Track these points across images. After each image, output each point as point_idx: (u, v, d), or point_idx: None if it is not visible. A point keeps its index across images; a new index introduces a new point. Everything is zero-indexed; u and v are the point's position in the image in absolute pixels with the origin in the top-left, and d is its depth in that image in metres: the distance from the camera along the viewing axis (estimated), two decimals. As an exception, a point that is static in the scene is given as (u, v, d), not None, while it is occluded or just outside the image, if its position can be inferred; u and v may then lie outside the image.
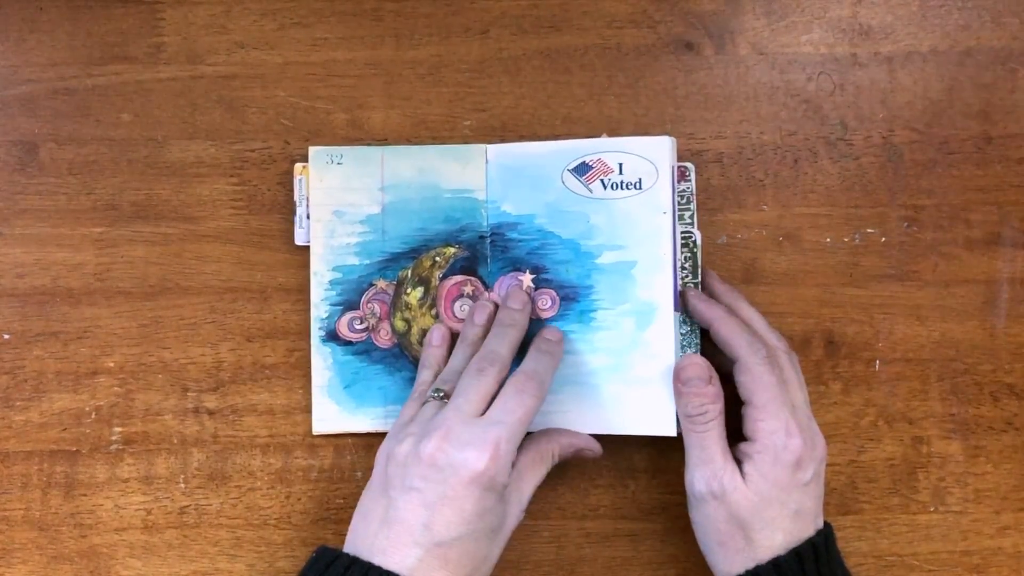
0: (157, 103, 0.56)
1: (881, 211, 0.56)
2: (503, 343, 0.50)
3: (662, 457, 0.55)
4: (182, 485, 0.55)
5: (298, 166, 0.55)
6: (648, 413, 0.52)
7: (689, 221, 0.55)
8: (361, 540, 0.46)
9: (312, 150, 0.54)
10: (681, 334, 0.52)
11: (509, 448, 0.46)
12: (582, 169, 0.53)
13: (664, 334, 0.52)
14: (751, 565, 0.47)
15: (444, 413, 0.47)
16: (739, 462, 0.48)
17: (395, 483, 0.46)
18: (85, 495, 0.55)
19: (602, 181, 0.52)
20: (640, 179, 0.52)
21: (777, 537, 0.47)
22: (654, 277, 0.52)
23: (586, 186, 0.53)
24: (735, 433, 0.49)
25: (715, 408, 0.49)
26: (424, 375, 0.52)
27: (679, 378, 0.50)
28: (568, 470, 0.55)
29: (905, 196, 0.56)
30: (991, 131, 0.56)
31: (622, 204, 0.52)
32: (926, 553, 0.55)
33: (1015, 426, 0.56)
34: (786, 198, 0.56)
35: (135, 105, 0.56)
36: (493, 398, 0.47)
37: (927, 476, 0.55)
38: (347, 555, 0.45)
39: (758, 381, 0.48)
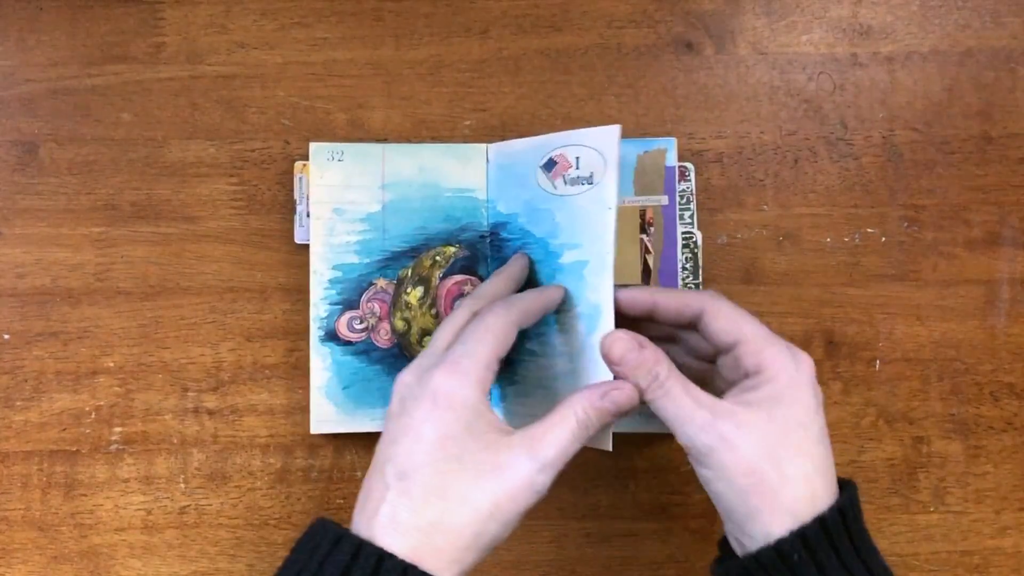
0: (157, 103, 0.56)
1: (881, 211, 0.56)
2: (486, 286, 0.48)
3: (662, 457, 0.55)
4: (182, 485, 0.55)
5: (298, 164, 0.55)
6: None
7: (689, 221, 0.55)
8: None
9: (313, 146, 0.54)
10: None
11: (471, 365, 0.42)
12: (549, 165, 0.50)
13: None
14: (791, 507, 0.41)
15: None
16: (744, 396, 0.43)
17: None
18: (85, 495, 0.55)
19: (563, 177, 0.49)
20: (592, 173, 0.48)
21: (808, 466, 0.42)
22: (599, 278, 0.47)
23: (552, 183, 0.50)
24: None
25: (664, 366, 0.44)
26: None
27: (609, 359, 0.44)
28: (568, 470, 0.55)
29: (905, 196, 0.56)
30: (991, 131, 0.56)
31: (578, 200, 0.49)
32: (926, 553, 0.55)
33: (1015, 426, 0.56)
34: (786, 198, 0.56)
35: (135, 105, 0.56)
36: None
37: (927, 476, 0.55)
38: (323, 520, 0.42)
39: (737, 317, 0.45)
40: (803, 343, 0.55)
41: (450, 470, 0.41)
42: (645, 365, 0.44)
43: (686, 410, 0.43)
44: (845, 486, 0.43)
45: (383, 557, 0.39)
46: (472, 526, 0.40)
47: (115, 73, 0.56)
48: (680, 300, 0.46)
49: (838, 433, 0.55)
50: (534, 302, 0.46)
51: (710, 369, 0.48)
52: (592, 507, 0.55)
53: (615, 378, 0.45)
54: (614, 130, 0.47)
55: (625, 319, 0.47)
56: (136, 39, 0.56)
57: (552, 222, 0.50)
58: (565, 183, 0.49)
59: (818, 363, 0.55)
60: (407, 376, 0.44)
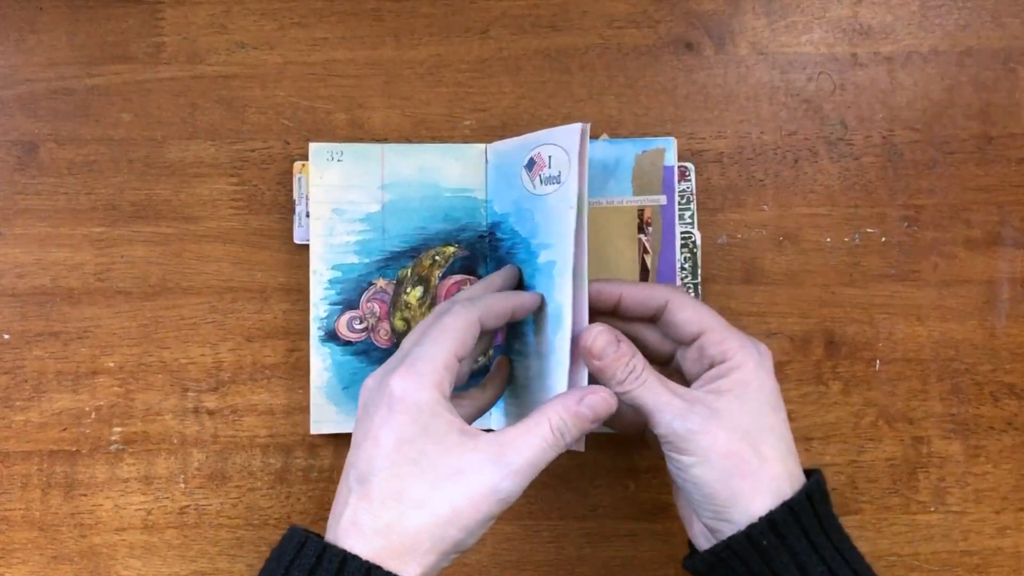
0: (157, 103, 0.56)
1: (881, 211, 0.56)
2: (463, 292, 0.48)
3: (662, 457, 0.55)
4: (182, 485, 0.55)
5: (298, 164, 0.55)
6: None
7: (689, 221, 0.55)
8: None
9: (312, 146, 0.54)
10: None
11: (426, 366, 0.42)
12: (529, 165, 0.50)
13: (565, 342, 0.46)
14: (772, 488, 0.42)
15: None
16: (714, 385, 0.44)
17: None
18: (85, 495, 0.55)
19: (540, 176, 0.49)
20: (560, 172, 0.48)
21: (782, 447, 0.43)
22: (563, 278, 0.46)
23: (531, 182, 0.50)
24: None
25: (639, 360, 0.44)
26: None
27: (591, 354, 0.44)
28: (568, 470, 0.55)
29: (905, 196, 0.56)
30: (991, 131, 0.56)
31: (549, 200, 0.48)
32: (926, 553, 0.55)
33: (1015, 426, 0.56)
34: (786, 198, 0.56)
35: (135, 105, 0.56)
36: None
37: (927, 476, 0.55)
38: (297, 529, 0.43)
39: (700, 310, 0.46)
40: (803, 343, 0.55)
41: (408, 474, 0.40)
42: (623, 359, 0.44)
43: (664, 399, 0.43)
44: (811, 473, 0.44)
45: (347, 559, 0.39)
46: (431, 530, 0.40)
47: (115, 73, 0.56)
48: (645, 292, 0.47)
49: (838, 433, 0.55)
50: (498, 303, 0.46)
51: (664, 369, 0.48)
52: (592, 507, 0.55)
53: (589, 376, 0.45)
54: (577, 128, 0.47)
55: (592, 314, 0.47)
56: (136, 39, 0.56)
57: (532, 222, 0.50)
58: (541, 182, 0.49)
59: (818, 363, 0.55)
60: (370, 380, 0.44)
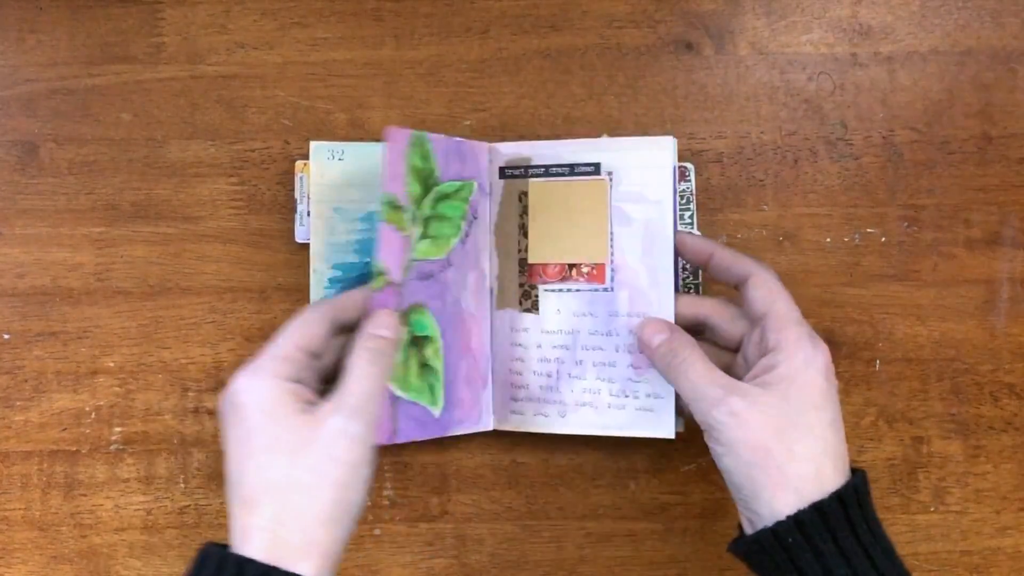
0: (157, 103, 0.56)
1: (881, 211, 0.56)
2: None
3: (662, 457, 0.55)
4: (182, 485, 0.55)
5: (299, 163, 0.55)
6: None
7: (689, 221, 0.55)
8: None
9: (313, 144, 0.54)
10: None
11: (264, 360, 0.43)
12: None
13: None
14: (796, 484, 0.42)
15: None
16: (762, 376, 0.45)
17: None
18: (85, 495, 0.55)
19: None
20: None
21: (816, 447, 0.43)
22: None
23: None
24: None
25: (681, 340, 0.47)
26: None
27: (643, 344, 0.49)
28: (568, 470, 0.55)
29: (905, 196, 0.56)
30: (991, 131, 0.56)
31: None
32: (926, 553, 0.55)
33: (1015, 426, 0.56)
34: (786, 198, 0.56)
35: (135, 105, 0.56)
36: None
37: (927, 476, 0.55)
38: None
39: (776, 292, 0.46)
40: (803, 343, 0.55)
41: (268, 463, 0.41)
42: (668, 344, 0.48)
43: (701, 387, 0.45)
44: (855, 473, 0.44)
45: (243, 564, 0.40)
46: (308, 503, 0.41)
47: (115, 73, 0.56)
48: (734, 259, 0.48)
49: (838, 433, 0.55)
50: (350, 296, 0.47)
51: (735, 357, 0.49)
52: (592, 507, 0.55)
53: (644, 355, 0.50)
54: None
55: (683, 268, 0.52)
56: (136, 39, 0.56)
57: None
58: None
59: (818, 363, 0.55)
60: (223, 391, 0.44)
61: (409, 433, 0.50)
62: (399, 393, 0.50)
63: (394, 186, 0.48)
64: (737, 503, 0.45)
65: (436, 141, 0.51)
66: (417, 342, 0.50)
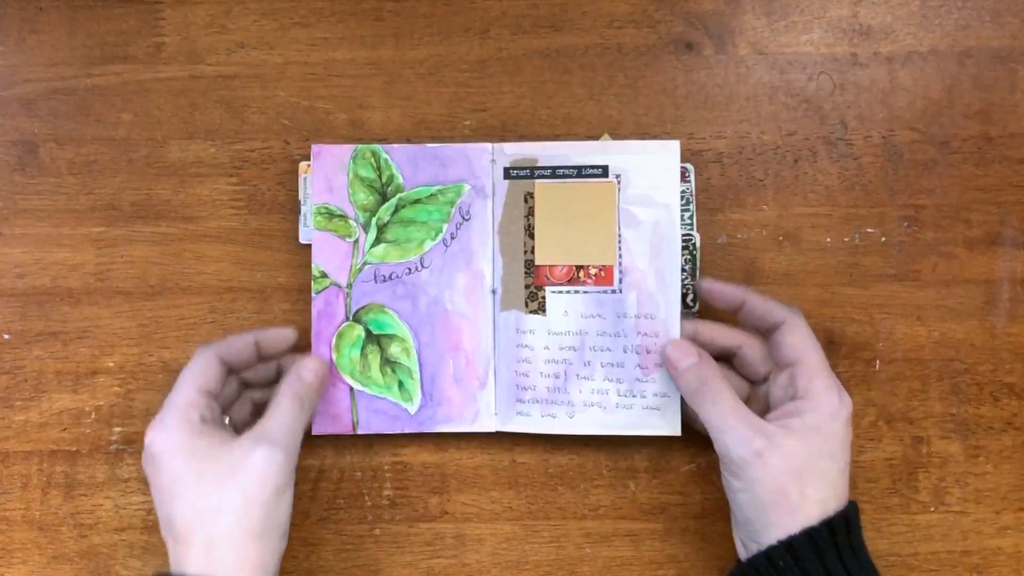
0: (157, 103, 0.56)
1: (881, 211, 0.56)
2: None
3: (662, 457, 0.55)
4: (182, 485, 0.55)
5: (303, 164, 0.55)
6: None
7: (689, 222, 0.55)
8: None
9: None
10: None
11: (168, 412, 0.47)
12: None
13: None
14: (803, 524, 0.45)
15: None
16: (786, 420, 0.47)
17: None
18: (85, 495, 0.55)
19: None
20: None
21: (828, 491, 0.46)
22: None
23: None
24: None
25: (710, 369, 0.49)
26: None
27: (669, 361, 0.51)
28: (568, 470, 0.55)
29: (905, 196, 0.56)
30: (991, 131, 0.56)
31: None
32: (926, 553, 0.55)
33: (1015, 426, 0.56)
34: (786, 198, 0.56)
35: (135, 105, 0.56)
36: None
37: (927, 476, 0.55)
38: None
39: (807, 340, 0.49)
40: (803, 343, 0.55)
41: (196, 495, 0.45)
42: (696, 370, 0.49)
43: (730, 421, 0.47)
44: (849, 504, 0.47)
45: None
46: (238, 523, 0.44)
47: (115, 73, 0.56)
48: (766, 306, 0.50)
49: (838, 433, 0.55)
50: (237, 338, 0.51)
51: (756, 390, 0.52)
52: (592, 507, 0.55)
53: (673, 380, 0.51)
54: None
55: (711, 313, 0.53)
56: (136, 39, 0.56)
57: None
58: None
59: (818, 363, 0.55)
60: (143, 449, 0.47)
61: (375, 426, 0.53)
62: (358, 387, 0.53)
63: (326, 197, 0.53)
64: (737, 530, 0.48)
65: (396, 151, 0.53)
66: (378, 340, 0.53)
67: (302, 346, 0.55)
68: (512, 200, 0.54)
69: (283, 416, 0.48)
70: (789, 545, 0.45)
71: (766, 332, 0.51)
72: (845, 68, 0.56)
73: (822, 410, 0.47)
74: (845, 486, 0.47)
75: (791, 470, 0.46)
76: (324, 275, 0.53)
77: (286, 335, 0.52)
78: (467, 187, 0.53)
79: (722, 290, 0.51)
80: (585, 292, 0.53)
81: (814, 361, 0.48)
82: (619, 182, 0.53)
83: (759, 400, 0.51)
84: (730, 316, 0.52)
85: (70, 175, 0.56)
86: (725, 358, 0.52)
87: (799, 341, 0.49)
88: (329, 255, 0.53)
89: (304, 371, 0.50)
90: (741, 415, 0.47)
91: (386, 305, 0.53)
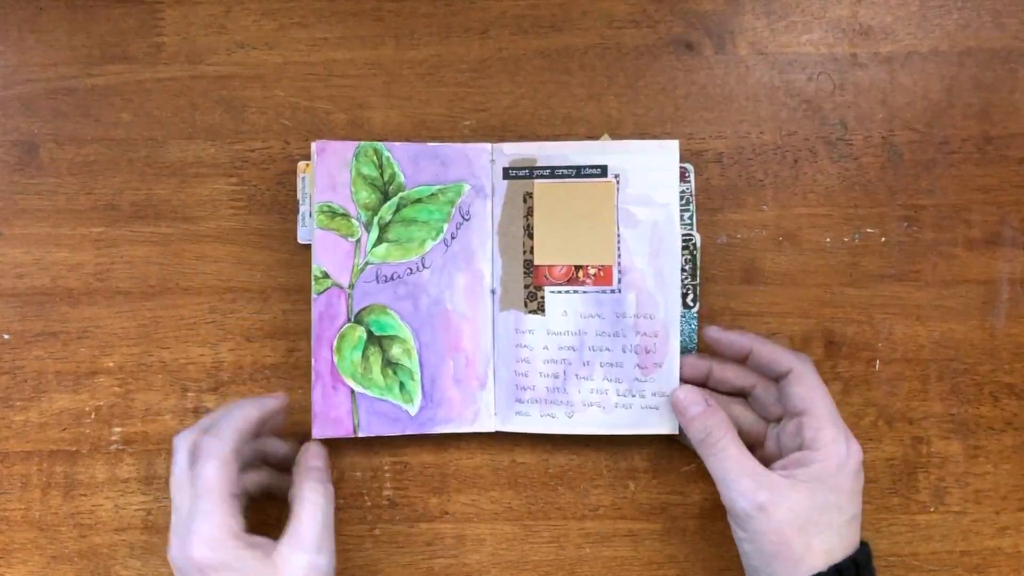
0: (157, 103, 0.56)
1: (881, 211, 0.56)
2: (203, 421, 0.50)
3: (662, 457, 0.55)
4: (182, 485, 0.55)
5: (301, 164, 0.55)
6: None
7: (688, 222, 0.55)
8: None
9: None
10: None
11: (212, 528, 0.45)
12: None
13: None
14: (808, 573, 0.46)
15: None
16: (793, 470, 0.48)
17: None
18: (85, 495, 0.55)
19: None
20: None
21: (834, 541, 0.46)
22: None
23: None
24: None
25: (717, 419, 0.49)
26: None
27: (676, 407, 0.51)
28: (568, 470, 0.55)
29: (905, 196, 0.56)
30: (991, 131, 0.56)
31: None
32: (926, 553, 0.55)
33: (1015, 426, 0.56)
34: (786, 198, 0.56)
35: (135, 105, 0.56)
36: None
37: (927, 476, 0.55)
38: None
39: (815, 390, 0.49)
40: (803, 343, 0.55)
41: None
42: (703, 419, 0.49)
43: (733, 474, 0.47)
44: (862, 546, 0.47)
45: None
46: None
47: (115, 73, 0.56)
48: (773, 354, 0.50)
49: (838, 433, 0.55)
50: (241, 423, 0.48)
51: (768, 429, 0.52)
52: (592, 507, 0.55)
53: (679, 425, 0.51)
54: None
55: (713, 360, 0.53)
56: (136, 39, 0.56)
57: None
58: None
59: (818, 363, 0.55)
60: (173, 551, 0.46)
61: (376, 428, 0.53)
62: (359, 390, 0.53)
63: (328, 195, 0.52)
64: (747, 571, 0.49)
65: (398, 148, 0.53)
66: (380, 341, 0.53)
67: (302, 346, 0.55)
68: (511, 200, 0.54)
69: (313, 516, 0.47)
70: None
71: (775, 379, 0.51)
72: (845, 68, 0.56)
73: (829, 461, 0.47)
74: (854, 534, 0.47)
75: (795, 523, 0.46)
76: (325, 275, 0.52)
77: (283, 403, 0.51)
78: (467, 187, 0.53)
79: (728, 339, 0.51)
80: (584, 292, 0.53)
81: (822, 411, 0.48)
82: (618, 182, 0.53)
83: (774, 439, 0.51)
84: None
85: (70, 175, 0.56)
86: (742, 393, 0.52)
87: (806, 391, 0.49)
88: (330, 255, 0.52)
89: (311, 459, 0.50)
90: (745, 467, 0.47)
91: (388, 306, 0.53)
